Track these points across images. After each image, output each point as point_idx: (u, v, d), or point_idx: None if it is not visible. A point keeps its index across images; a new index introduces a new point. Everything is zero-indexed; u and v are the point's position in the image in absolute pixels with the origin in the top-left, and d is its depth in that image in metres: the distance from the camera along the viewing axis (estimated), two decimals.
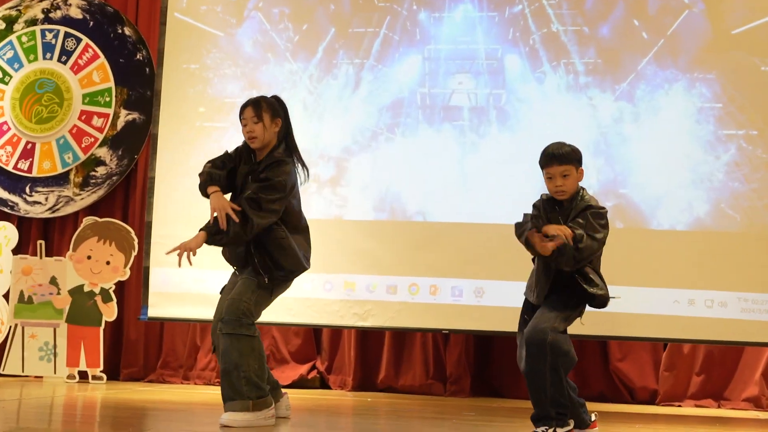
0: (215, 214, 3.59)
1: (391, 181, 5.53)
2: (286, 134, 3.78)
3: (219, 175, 3.73)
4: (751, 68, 5.18)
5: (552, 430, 3.37)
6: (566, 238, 3.33)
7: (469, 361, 5.73)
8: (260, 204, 3.54)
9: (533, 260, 3.71)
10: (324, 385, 5.95)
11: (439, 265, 5.42)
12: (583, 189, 3.65)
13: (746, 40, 5.22)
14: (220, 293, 3.87)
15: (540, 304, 3.56)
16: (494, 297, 5.34)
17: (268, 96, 3.85)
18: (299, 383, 5.79)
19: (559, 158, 3.56)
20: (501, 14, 5.47)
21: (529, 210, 3.84)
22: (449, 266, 5.41)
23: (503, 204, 5.35)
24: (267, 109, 3.69)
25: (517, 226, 3.66)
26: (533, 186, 5.08)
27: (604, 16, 5.39)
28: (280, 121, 3.72)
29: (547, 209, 3.64)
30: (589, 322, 3.78)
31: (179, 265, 3.66)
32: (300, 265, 3.75)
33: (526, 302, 3.73)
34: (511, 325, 4.86)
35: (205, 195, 3.74)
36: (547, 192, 3.67)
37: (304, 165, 3.85)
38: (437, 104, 5.52)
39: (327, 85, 5.53)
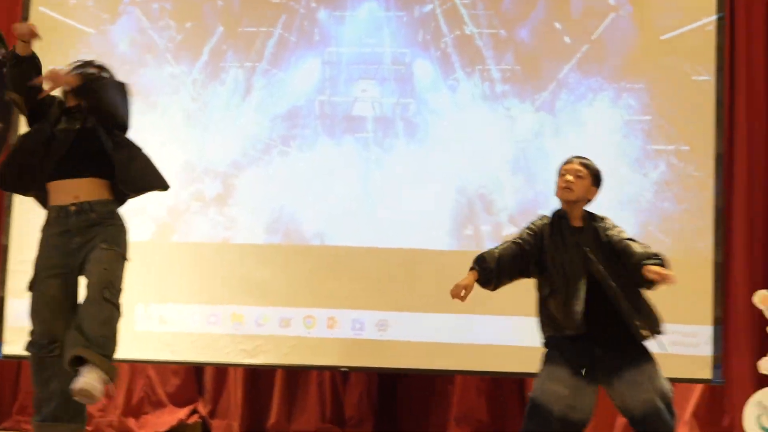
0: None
1: (286, 200, 5.36)
2: None
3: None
4: (682, 77, 5.21)
5: None
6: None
7: (371, 402, 5.59)
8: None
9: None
10: (206, 431, 5.66)
11: (338, 294, 5.23)
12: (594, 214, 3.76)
13: (676, 47, 5.25)
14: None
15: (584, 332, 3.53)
16: (399, 330, 5.17)
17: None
18: (178, 429, 5.51)
19: (582, 160, 3.68)
20: (410, 14, 5.43)
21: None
22: (349, 296, 5.23)
23: (411, 227, 5.23)
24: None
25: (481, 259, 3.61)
26: (445, 206, 5.25)
27: (522, 17, 5.37)
28: None
29: (554, 232, 3.64)
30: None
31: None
32: None
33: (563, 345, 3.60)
34: (419, 361, 5.23)
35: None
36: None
37: None
38: (338, 114, 5.42)
39: (213, 92, 5.36)
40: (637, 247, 3.53)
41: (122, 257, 3.50)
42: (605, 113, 5.21)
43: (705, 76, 5.12)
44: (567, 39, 5.27)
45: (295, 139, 5.36)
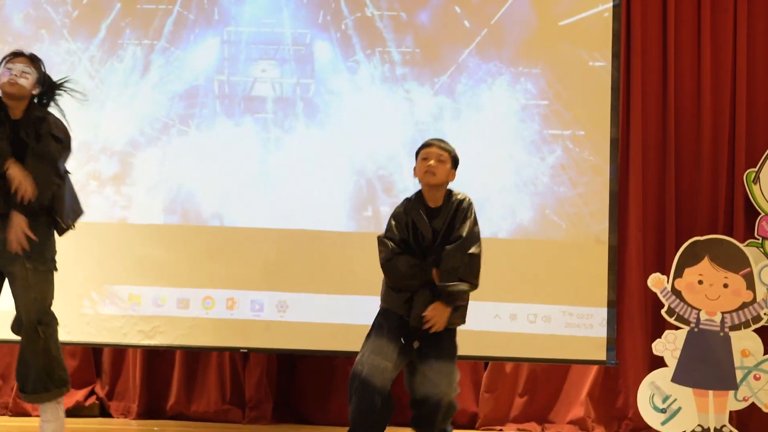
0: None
1: (184, 180, 5.22)
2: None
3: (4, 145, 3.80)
4: (579, 62, 5.24)
5: None
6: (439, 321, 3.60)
7: (271, 384, 5.53)
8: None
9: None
10: (104, 412, 5.57)
11: (237, 275, 5.18)
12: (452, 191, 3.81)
13: (574, 33, 5.26)
14: None
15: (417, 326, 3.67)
16: (299, 312, 5.15)
17: None
18: (75, 411, 5.40)
19: (440, 143, 3.76)
20: None
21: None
22: (249, 277, 5.20)
23: (311, 208, 5.24)
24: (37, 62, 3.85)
25: (383, 247, 3.76)
26: (344, 187, 5.23)
27: (423, 1, 5.33)
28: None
29: (419, 211, 3.73)
30: None
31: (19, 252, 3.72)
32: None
33: (393, 315, 3.75)
34: (319, 342, 5.22)
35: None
36: (406, 199, 3.77)
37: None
38: (237, 94, 5.30)
39: (111, 69, 5.17)
40: (449, 262, 3.61)
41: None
42: (503, 97, 5.17)
43: (601, 62, 5.13)
44: (467, 23, 5.20)
45: (194, 119, 5.22)
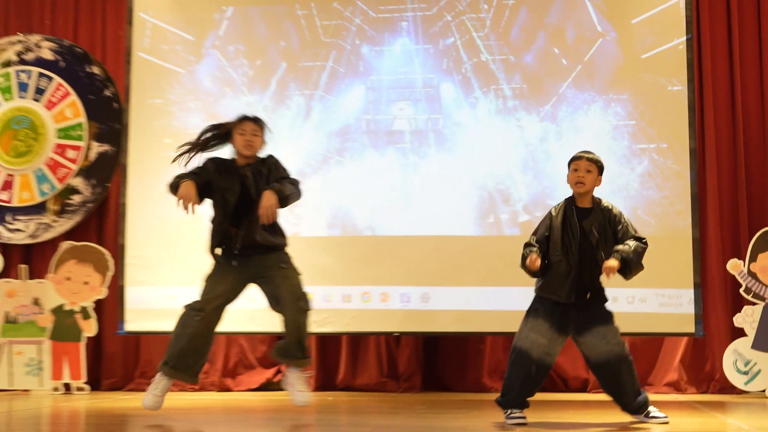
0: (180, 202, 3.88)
1: (342, 200, 5.69)
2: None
3: (192, 176, 4.00)
4: (659, 88, 5.45)
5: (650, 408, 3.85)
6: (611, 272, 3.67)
7: (419, 360, 5.86)
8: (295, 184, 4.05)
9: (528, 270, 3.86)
10: None
11: (388, 274, 5.62)
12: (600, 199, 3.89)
13: (654, 64, 5.47)
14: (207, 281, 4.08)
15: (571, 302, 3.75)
16: (439, 301, 5.55)
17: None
18: (266, 386, 5.92)
19: (588, 156, 3.83)
20: (435, 46, 5.68)
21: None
22: (397, 275, 5.61)
23: (444, 217, 5.60)
24: (264, 128, 4.13)
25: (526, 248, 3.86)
26: (470, 200, 5.58)
27: (527, 45, 5.62)
28: None
29: (569, 212, 3.83)
30: None
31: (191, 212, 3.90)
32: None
33: (547, 305, 3.82)
34: (456, 326, 5.53)
35: (175, 192, 3.95)
36: (568, 196, 3.87)
37: None
38: (381, 129, 5.70)
39: (280, 115, 5.64)
40: (625, 245, 3.73)
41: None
42: (597, 120, 5.48)
43: (678, 87, 5.39)
44: (564, 61, 5.51)
45: (347, 151, 5.72)
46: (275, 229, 4.08)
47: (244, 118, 4.11)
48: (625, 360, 3.79)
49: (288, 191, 4.02)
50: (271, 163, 4.14)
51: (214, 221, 4.12)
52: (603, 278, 3.81)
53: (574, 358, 5.71)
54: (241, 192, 4.03)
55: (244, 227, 4.02)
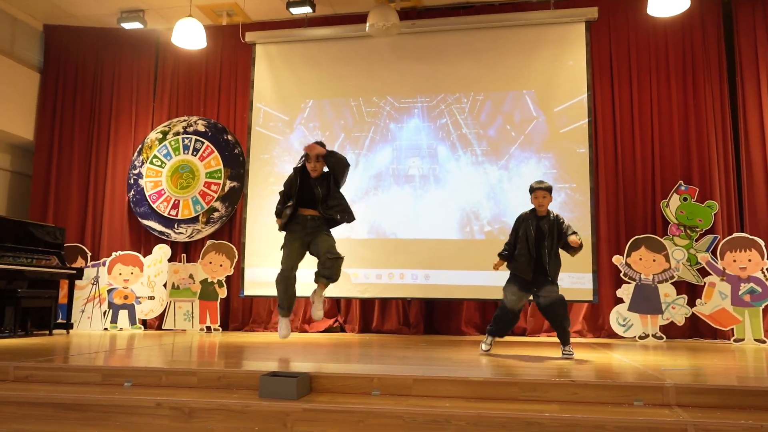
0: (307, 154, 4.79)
1: (377, 217, 7.45)
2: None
3: (285, 200, 4.87)
4: (571, 150, 7.16)
5: (569, 346, 4.68)
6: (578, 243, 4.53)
7: (422, 315, 7.59)
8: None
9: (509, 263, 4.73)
10: (342, 330, 7.73)
11: (404, 262, 7.29)
12: (550, 210, 4.72)
13: (568, 135, 7.16)
14: (282, 249, 4.95)
15: (530, 279, 4.54)
16: (436, 279, 7.21)
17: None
18: (328, 330, 7.76)
19: (543, 186, 4.71)
20: (434, 124, 7.52)
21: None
22: (410, 262, 7.28)
23: (438, 227, 7.34)
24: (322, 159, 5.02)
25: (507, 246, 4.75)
26: (454, 217, 7.15)
27: (490, 124, 7.44)
28: None
29: (531, 220, 4.63)
30: None
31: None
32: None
33: (518, 278, 4.66)
34: (445, 294, 7.01)
35: (279, 215, 4.92)
36: (529, 208, 4.71)
37: None
38: (401, 174, 7.44)
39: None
40: (572, 235, 4.49)
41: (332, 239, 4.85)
42: (533, 169, 7.09)
43: (583, 149, 7.02)
44: (513, 134, 7.26)
45: (379, 188, 7.45)
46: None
47: (307, 156, 5.07)
48: (561, 300, 4.66)
49: (339, 154, 4.71)
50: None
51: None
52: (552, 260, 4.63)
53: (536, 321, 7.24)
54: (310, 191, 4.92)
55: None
